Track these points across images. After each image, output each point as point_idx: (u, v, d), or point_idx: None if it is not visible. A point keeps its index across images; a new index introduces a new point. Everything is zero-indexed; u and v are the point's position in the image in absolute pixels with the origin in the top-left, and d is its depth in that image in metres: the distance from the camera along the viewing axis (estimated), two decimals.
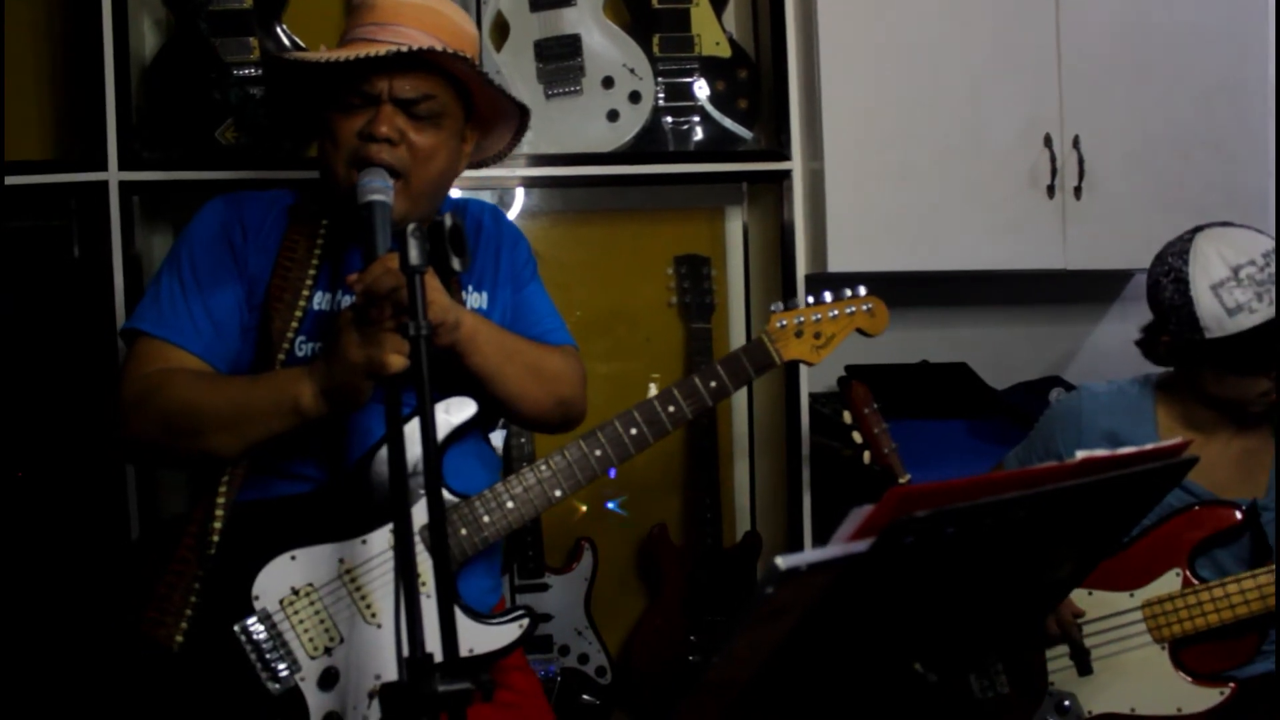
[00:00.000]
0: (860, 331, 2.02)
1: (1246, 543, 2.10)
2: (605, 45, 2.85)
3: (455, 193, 2.05)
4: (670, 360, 3.06)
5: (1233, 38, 3.01)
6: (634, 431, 1.80)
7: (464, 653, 1.69)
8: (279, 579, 1.68)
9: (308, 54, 1.77)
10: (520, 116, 1.92)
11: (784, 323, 1.93)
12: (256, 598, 1.67)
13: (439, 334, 1.62)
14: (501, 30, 2.86)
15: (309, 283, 1.78)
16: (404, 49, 1.68)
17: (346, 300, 1.77)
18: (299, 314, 1.76)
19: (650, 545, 2.94)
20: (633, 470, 3.05)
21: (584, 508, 3.05)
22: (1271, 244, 2.01)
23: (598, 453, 1.78)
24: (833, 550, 0.99)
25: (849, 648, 1.20)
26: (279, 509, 1.73)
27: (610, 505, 3.07)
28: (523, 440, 2.81)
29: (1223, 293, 1.99)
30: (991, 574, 1.26)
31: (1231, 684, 2.05)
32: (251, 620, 1.66)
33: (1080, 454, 1.21)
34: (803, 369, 2.73)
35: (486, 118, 1.90)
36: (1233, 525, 2.08)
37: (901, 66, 2.81)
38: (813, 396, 2.80)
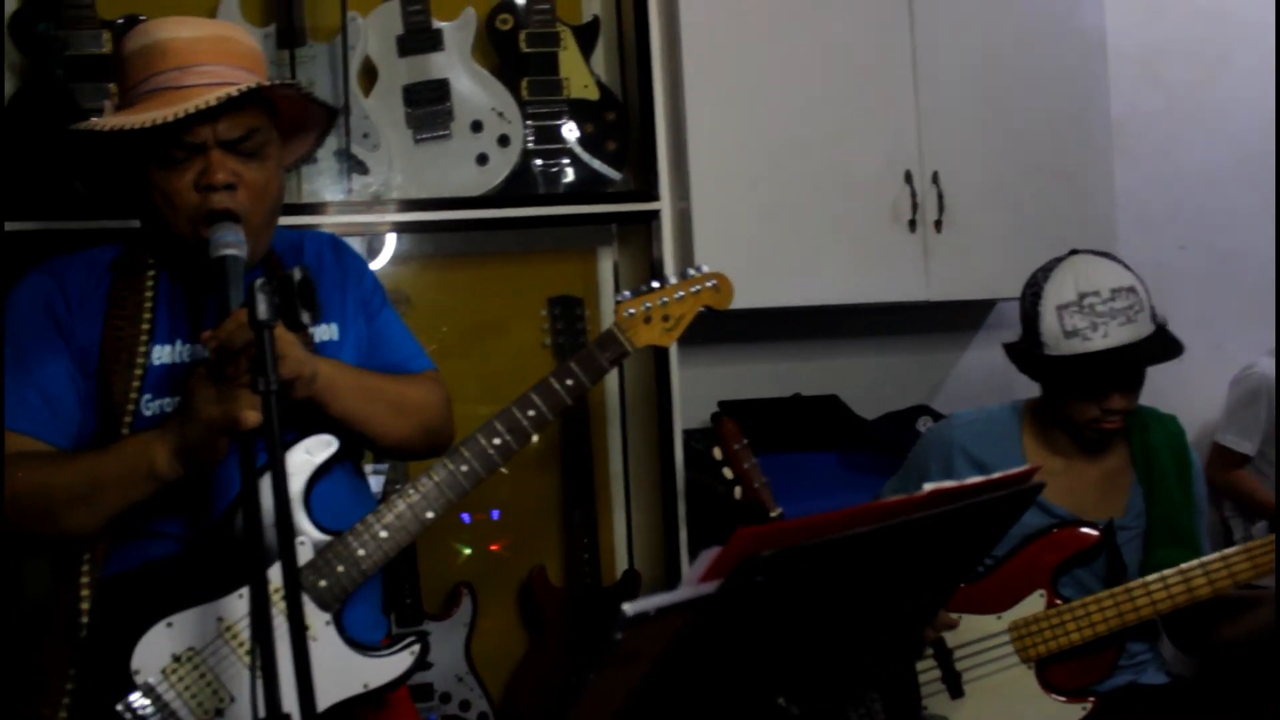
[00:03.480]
0: (708, 308, 2.04)
1: (1104, 562, 2.18)
2: (474, 89, 2.85)
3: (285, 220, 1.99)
4: None
5: (1076, 76, 3.16)
6: (497, 442, 1.79)
7: (359, 689, 1.69)
8: (158, 649, 1.64)
9: (122, 118, 1.65)
10: (328, 121, 1.88)
11: (632, 311, 1.94)
12: (137, 672, 1.62)
13: (296, 388, 1.59)
14: (369, 75, 2.84)
15: (144, 338, 1.72)
16: (234, 93, 1.61)
17: (189, 352, 1.73)
18: (139, 371, 1.70)
19: (530, 587, 2.92)
20: (511, 512, 3.04)
21: (466, 552, 3.02)
22: (1130, 281, 2.12)
23: (464, 469, 1.77)
24: (681, 593, 1.00)
25: (711, 686, 1.20)
26: (147, 577, 1.68)
27: (493, 548, 3.05)
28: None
29: (1065, 315, 2.10)
30: (850, 605, 1.28)
31: (1092, 698, 2.11)
32: (135, 696, 1.61)
33: (928, 486, 1.25)
34: (676, 386, 2.75)
35: (289, 129, 1.84)
36: (1091, 545, 2.15)
37: (766, 107, 2.87)
38: (687, 433, 2.82)
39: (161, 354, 1.74)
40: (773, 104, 2.87)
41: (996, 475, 1.34)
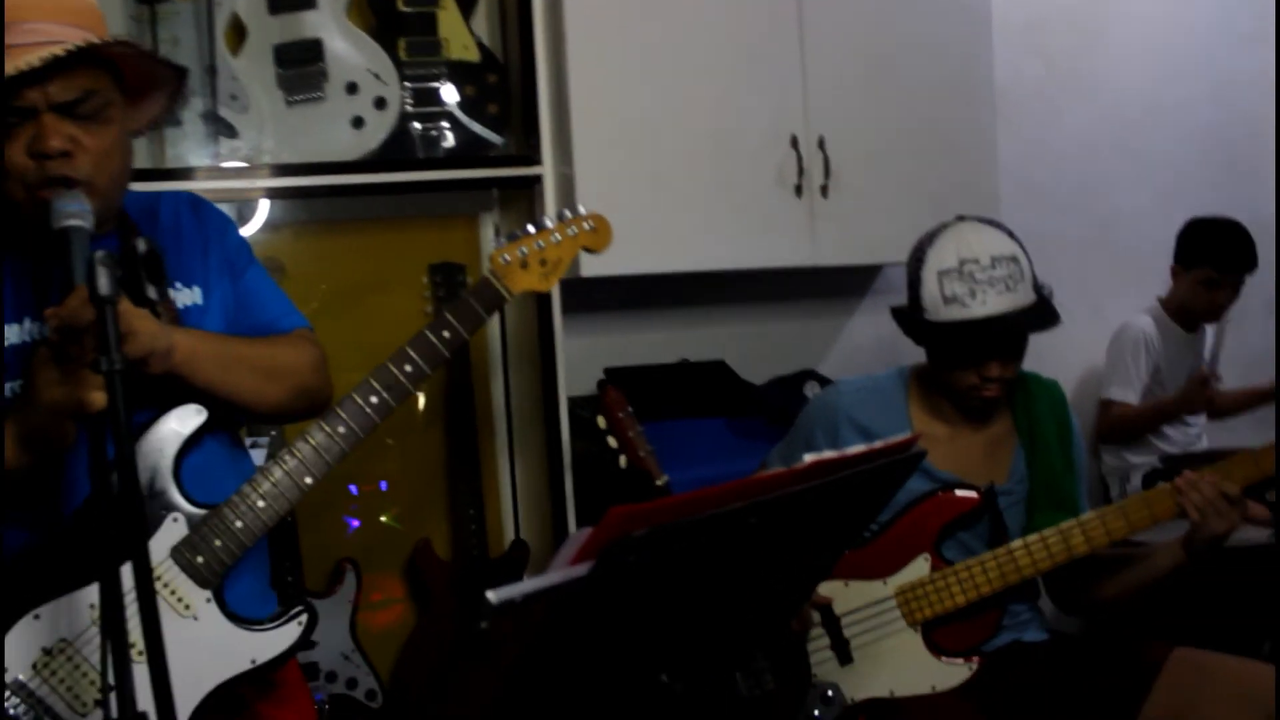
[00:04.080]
0: (587, 249, 2.00)
1: (987, 524, 2.19)
2: (349, 50, 2.75)
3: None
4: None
5: (960, 43, 3.18)
6: (374, 400, 1.72)
7: (246, 665, 1.63)
8: (26, 644, 1.55)
9: None
10: (178, 81, 1.75)
11: (507, 257, 1.88)
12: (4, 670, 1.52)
13: (151, 364, 1.50)
14: (238, 33, 2.72)
15: None
16: (60, 53, 1.49)
17: (38, 330, 1.61)
18: None
19: (415, 561, 2.86)
20: (397, 485, 2.97)
21: (353, 525, 2.94)
22: (1011, 250, 2.12)
23: (341, 430, 1.70)
24: (551, 577, 0.96)
25: (588, 668, 1.17)
26: (8, 570, 1.57)
27: (384, 519, 2.98)
28: None
29: (945, 281, 2.10)
30: (730, 581, 1.25)
31: (977, 657, 2.13)
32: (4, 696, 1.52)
33: (808, 457, 1.22)
34: (560, 358, 2.71)
35: (136, 89, 1.71)
36: (973, 508, 2.17)
37: (650, 70, 2.83)
38: (573, 401, 2.78)
39: (10, 333, 1.63)
40: (657, 67, 2.83)
41: (878, 444, 1.33)
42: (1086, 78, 4.06)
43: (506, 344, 2.98)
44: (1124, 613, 2.26)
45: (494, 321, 3.04)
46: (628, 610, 1.07)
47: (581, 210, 1.97)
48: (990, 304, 2.08)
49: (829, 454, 1.24)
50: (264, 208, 2.85)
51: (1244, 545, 3.18)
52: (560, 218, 1.94)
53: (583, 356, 2.95)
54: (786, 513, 1.17)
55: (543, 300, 2.74)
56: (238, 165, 2.64)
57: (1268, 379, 3.88)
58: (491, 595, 0.90)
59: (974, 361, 2.13)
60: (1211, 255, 3.61)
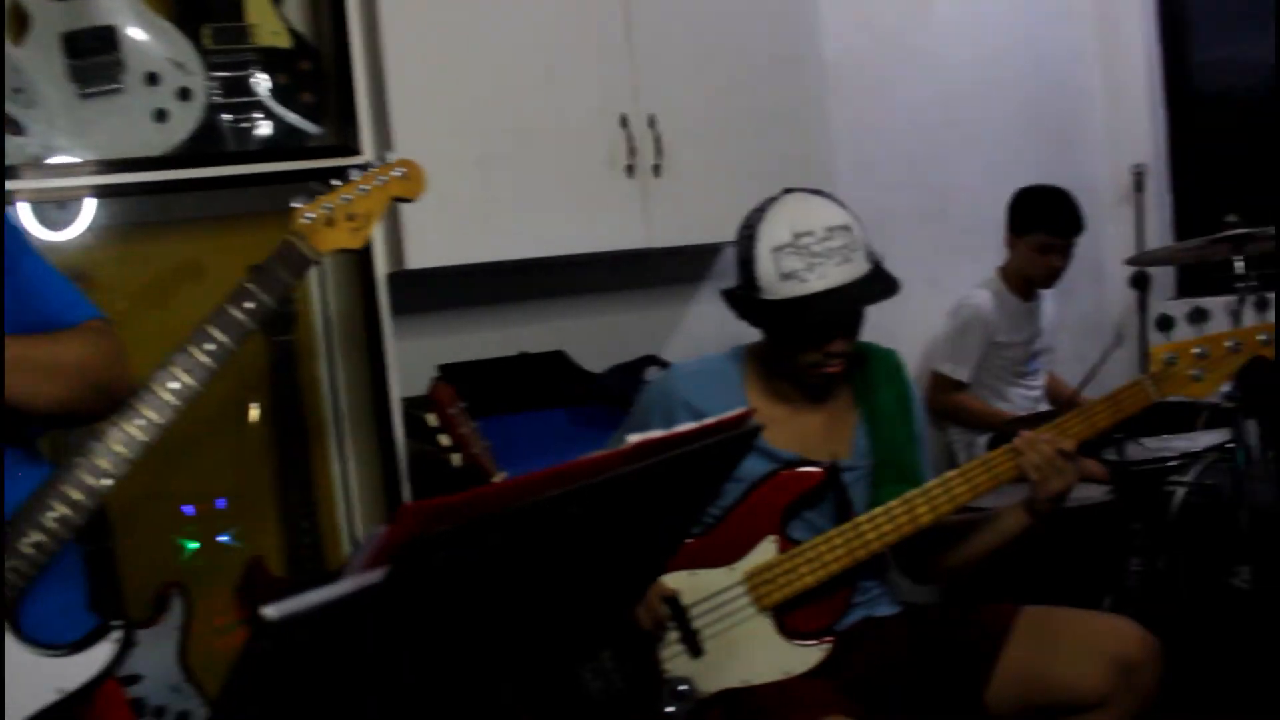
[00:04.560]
0: (399, 199, 1.89)
1: (832, 501, 2.16)
2: (147, 37, 2.56)
3: None
4: (254, 377, 2.81)
5: (787, 17, 3.16)
6: (175, 386, 1.57)
7: (53, 696, 1.47)
8: None
9: None
10: None
11: (311, 215, 1.76)
12: None
13: None
14: (20, 21, 2.50)
15: None
16: None
17: None
18: None
19: (248, 581, 2.69)
20: (233, 501, 2.79)
21: (179, 550, 2.76)
22: (844, 219, 2.06)
23: (139, 423, 1.55)
24: (342, 586, 0.85)
25: (404, 682, 1.07)
26: None
27: (223, 538, 2.80)
28: None
29: (780, 257, 2.04)
30: (558, 573, 1.16)
31: (831, 638, 2.10)
32: None
33: (632, 438, 1.14)
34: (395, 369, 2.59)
35: None
36: (816, 484, 2.13)
37: (471, 51, 2.72)
38: (407, 402, 2.65)
39: None
40: (478, 48, 2.72)
41: (710, 420, 1.26)
42: (915, 51, 4.10)
43: (332, 347, 2.83)
44: (974, 577, 2.25)
45: (320, 325, 2.90)
46: (437, 616, 0.97)
47: (390, 158, 1.85)
48: (829, 276, 2.03)
49: (655, 433, 1.16)
50: (79, 211, 2.63)
51: (1083, 504, 3.26)
52: (366, 169, 1.82)
53: (418, 356, 2.83)
54: (612, 498, 1.09)
55: (369, 298, 2.61)
56: (24, 164, 2.43)
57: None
58: (270, 611, 0.79)
59: (817, 338, 2.09)
60: (1043, 220, 3.73)
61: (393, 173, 1.83)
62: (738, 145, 3.02)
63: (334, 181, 1.76)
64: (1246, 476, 2.47)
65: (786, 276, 2.04)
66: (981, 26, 4.30)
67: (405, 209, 2.57)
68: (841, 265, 2.03)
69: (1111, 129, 4.76)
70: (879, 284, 2.09)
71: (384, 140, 2.64)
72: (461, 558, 0.91)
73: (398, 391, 2.63)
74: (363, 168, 1.81)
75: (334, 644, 0.86)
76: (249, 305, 1.65)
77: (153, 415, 1.56)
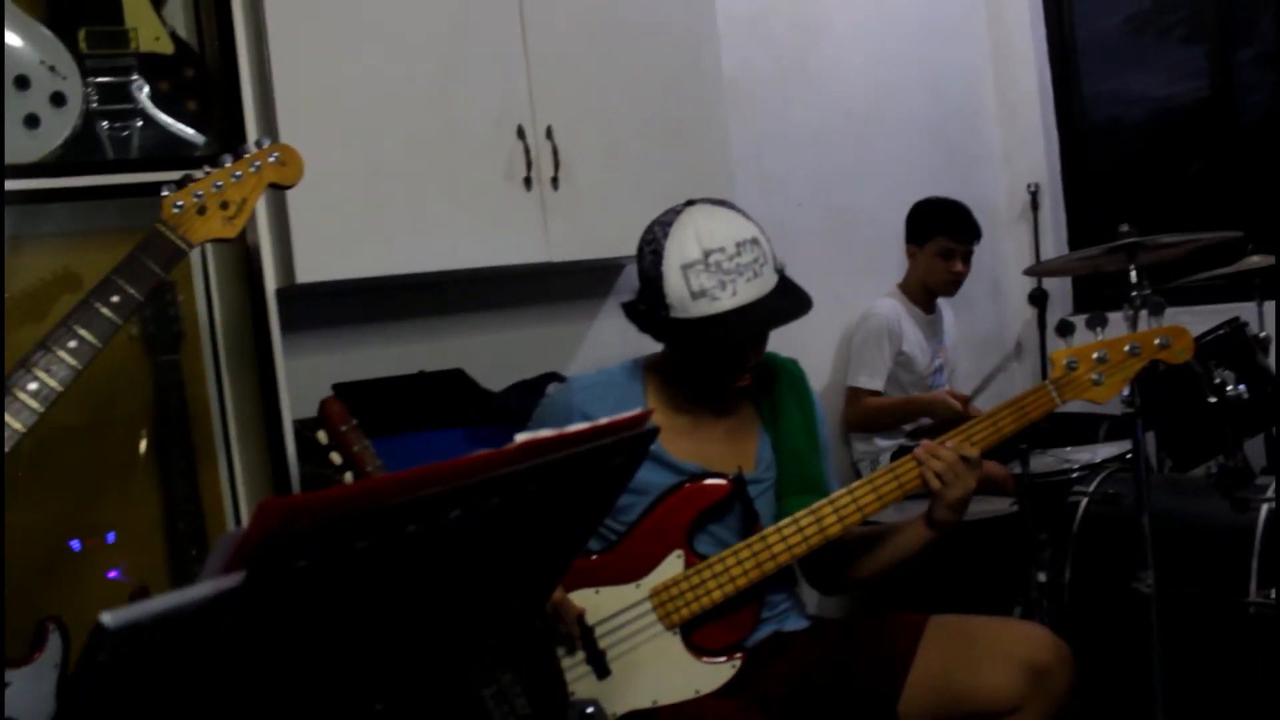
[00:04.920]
0: (276, 186, 1.79)
1: (739, 513, 2.11)
2: (17, 40, 2.43)
3: None
4: (137, 399, 2.68)
5: (686, 32, 3.13)
6: (34, 386, 1.48)
7: None
8: None
9: None
10: None
11: (180, 204, 1.67)
12: None
13: None
14: None
15: None
16: None
17: None
18: None
19: None
20: (122, 534, 2.65)
21: (55, 582, 2.60)
22: (752, 232, 2.00)
23: None
24: (194, 591, 0.77)
25: (271, 694, 0.98)
26: None
27: (112, 574, 2.65)
28: None
29: (690, 275, 1.96)
30: (442, 580, 1.08)
31: (740, 654, 2.04)
32: None
33: (520, 437, 1.08)
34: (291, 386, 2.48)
35: None
36: (722, 496, 2.08)
37: (362, 59, 2.63)
38: (301, 424, 2.55)
39: None
40: (369, 56, 2.63)
41: (604, 421, 1.19)
42: (813, 71, 4.12)
43: (220, 366, 2.71)
44: (884, 589, 2.23)
45: (207, 343, 2.77)
46: (301, 626, 0.89)
47: (266, 143, 1.77)
48: (741, 294, 1.96)
49: (545, 433, 1.10)
50: None
51: (989, 516, 3.27)
52: (239, 155, 1.73)
53: (310, 375, 2.72)
54: (496, 500, 1.02)
55: (258, 314, 2.50)
56: None
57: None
58: (107, 618, 0.71)
59: (731, 355, 2.04)
60: (943, 225, 3.78)
61: (268, 158, 1.74)
62: (637, 159, 2.97)
63: (206, 168, 1.67)
64: (1146, 485, 2.49)
65: (698, 295, 1.96)
66: (879, 48, 4.34)
67: (295, 220, 2.48)
68: (752, 281, 1.97)
69: (1007, 149, 4.85)
70: (791, 299, 2.04)
71: None
72: (328, 560, 0.83)
73: (289, 412, 2.52)
74: (236, 153, 1.71)
75: (184, 654, 0.78)
76: (115, 299, 1.56)
77: (11, 421, 1.45)
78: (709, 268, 1.95)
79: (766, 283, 2.00)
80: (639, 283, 2.09)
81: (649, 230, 2.06)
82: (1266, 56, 4.29)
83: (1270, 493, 2.75)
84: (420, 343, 3.05)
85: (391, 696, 1.13)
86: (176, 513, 2.61)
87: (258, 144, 1.75)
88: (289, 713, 0.96)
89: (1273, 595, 2.59)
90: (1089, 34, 4.77)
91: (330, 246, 2.51)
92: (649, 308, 2.05)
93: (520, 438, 1.06)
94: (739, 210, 2.06)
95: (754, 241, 1.99)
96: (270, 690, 0.92)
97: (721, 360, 2.06)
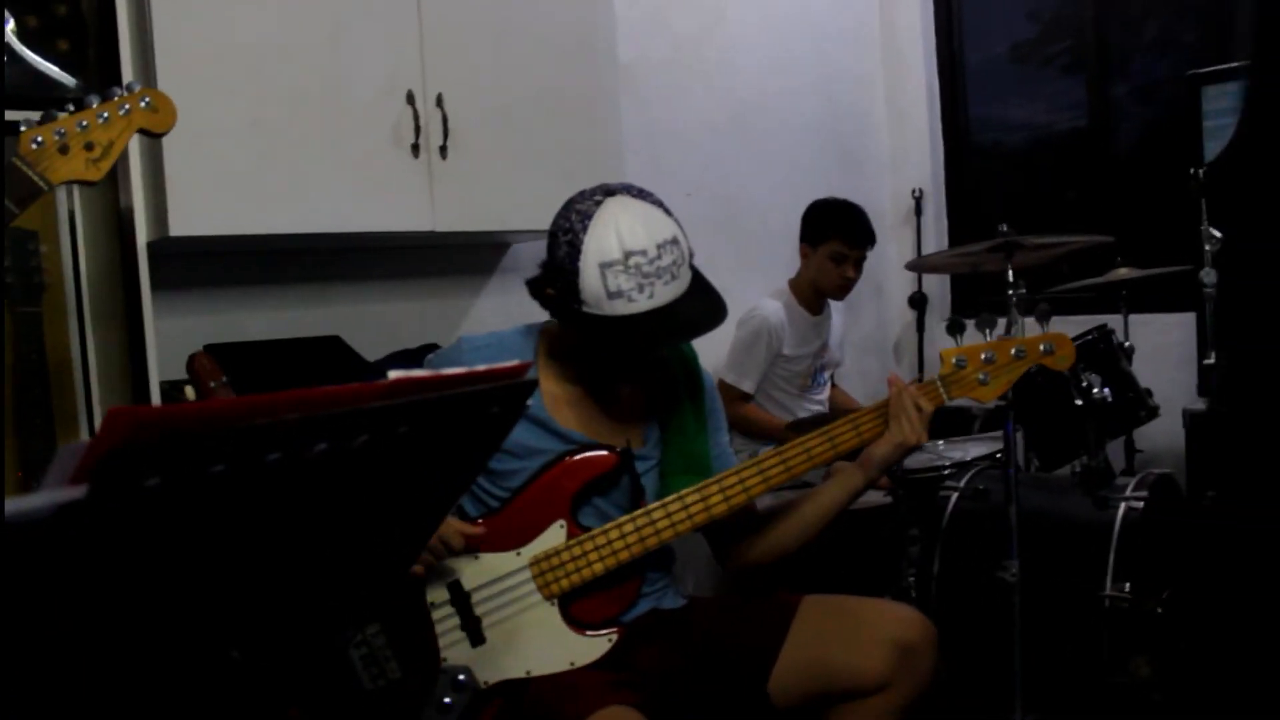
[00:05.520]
0: (146, 132, 1.71)
1: (625, 487, 2.09)
2: None
3: None
4: None
5: (582, 13, 3.11)
6: None
7: None
8: None
9: None
10: None
11: (40, 139, 1.58)
12: None
13: None
14: None
15: None
16: None
17: None
18: None
19: None
20: None
21: None
22: (673, 231, 1.95)
23: None
24: (25, 503, 0.72)
25: (110, 632, 0.92)
26: None
27: None
28: None
29: (609, 275, 1.90)
30: (302, 517, 1.03)
31: (617, 629, 2.03)
32: None
33: (393, 374, 1.04)
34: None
35: None
36: (609, 469, 2.06)
37: (250, 6, 2.54)
38: (170, 385, 2.46)
39: None
40: (258, 5, 2.55)
41: (481, 368, 1.16)
42: (708, 63, 4.14)
43: (85, 320, 2.60)
44: (762, 576, 2.24)
45: (72, 296, 2.65)
46: (146, 554, 0.84)
47: (137, 87, 1.69)
48: (657, 296, 1.91)
49: (419, 372, 1.06)
50: None
51: (864, 507, 3.33)
52: (108, 96, 1.65)
53: (181, 335, 2.63)
54: (363, 436, 0.98)
55: (129, 267, 2.40)
56: None
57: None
58: None
59: (641, 353, 2.03)
60: (839, 229, 3.78)
61: (139, 102, 1.66)
62: (528, 135, 2.93)
63: (70, 108, 1.59)
64: (1015, 480, 2.56)
65: (614, 295, 1.90)
66: (775, 47, 4.39)
67: (171, 170, 2.39)
68: (670, 284, 1.93)
69: (895, 154, 4.94)
70: (707, 303, 2.00)
71: None
72: (180, 482, 0.79)
73: (156, 372, 2.43)
74: (104, 95, 1.64)
75: (17, 577, 0.73)
76: None
77: None
78: (628, 270, 1.89)
79: (683, 284, 1.96)
80: (548, 265, 2.00)
81: (565, 217, 1.97)
82: (1140, 91, 4.50)
83: (1129, 492, 2.85)
84: (298, 308, 2.97)
85: (249, 644, 1.08)
86: (32, 474, 2.50)
87: (128, 88, 1.66)
88: (139, 650, 0.91)
89: (1126, 589, 2.68)
90: (977, 58, 4.92)
91: (207, 200, 2.42)
92: (559, 295, 1.99)
93: (393, 374, 1.02)
94: (660, 205, 1.99)
95: (674, 242, 1.94)
96: (116, 625, 0.87)
97: (631, 354, 2.05)
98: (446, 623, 1.99)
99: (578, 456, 2.06)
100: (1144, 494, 2.84)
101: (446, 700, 1.91)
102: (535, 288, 2.06)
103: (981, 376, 2.11)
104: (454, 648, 1.98)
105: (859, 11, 4.83)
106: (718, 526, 2.07)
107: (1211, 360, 3.14)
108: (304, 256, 2.95)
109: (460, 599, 1.99)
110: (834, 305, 4.03)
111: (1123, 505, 2.81)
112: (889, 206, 4.90)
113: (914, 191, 4.83)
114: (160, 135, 1.71)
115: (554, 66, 3.02)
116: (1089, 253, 3.12)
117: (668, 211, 1.98)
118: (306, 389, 0.91)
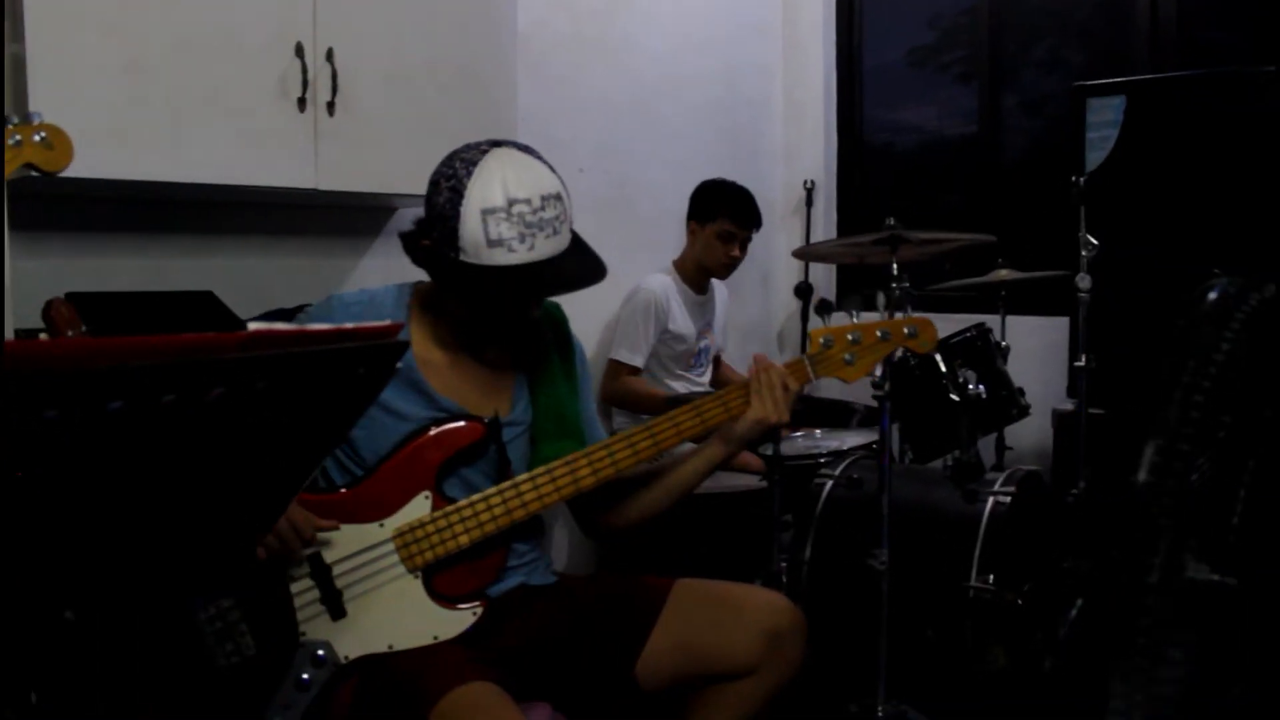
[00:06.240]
0: (34, 168, 1.62)
1: (493, 458, 2.06)
2: None
3: None
4: None
5: None
6: None
7: None
8: None
9: None
10: None
11: None
12: None
13: None
14: None
15: None
16: None
17: None
18: None
19: None
20: None
21: None
22: (556, 187, 1.93)
23: None
24: None
25: None
26: None
27: None
28: None
29: (490, 221, 1.87)
30: (147, 472, 0.98)
31: (481, 601, 1.99)
32: None
33: (253, 325, 0.99)
34: None
35: None
36: (476, 440, 2.02)
37: None
38: (22, 333, 2.33)
39: None
40: None
41: (349, 325, 1.12)
42: (609, 41, 4.11)
43: None
44: (631, 556, 2.23)
45: None
46: None
47: (36, 118, 1.58)
48: (538, 248, 1.88)
49: (281, 326, 1.01)
50: None
51: (738, 490, 3.35)
52: (2, 122, 1.54)
53: (44, 281, 2.49)
54: (218, 390, 0.93)
55: None
56: None
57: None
58: None
59: (513, 305, 1.99)
60: (728, 208, 3.82)
61: (32, 136, 1.55)
62: (420, 98, 2.86)
63: None
64: (889, 471, 2.60)
65: (494, 244, 1.87)
66: (677, 30, 4.38)
67: (36, 106, 2.25)
68: (551, 238, 1.90)
69: (789, 145, 4.98)
70: (587, 261, 2.00)
71: (14, 27, 2.29)
72: (10, 424, 0.73)
73: (11, 318, 2.30)
74: None
75: None
76: None
77: None
78: (510, 218, 1.87)
79: (563, 240, 1.94)
80: (425, 216, 1.97)
81: (448, 164, 1.94)
82: (1029, 103, 4.63)
83: (997, 487, 2.91)
84: (171, 259, 2.85)
85: (85, 605, 1.03)
86: None
87: (25, 118, 1.55)
88: None
89: (990, 581, 2.74)
90: (876, 59, 5.01)
91: (77, 140, 2.28)
92: (435, 245, 1.94)
93: (253, 326, 0.97)
94: (545, 161, 1.97)
95: (558, 197, 1.93)
96: None
97: (503, 311, 2.01)
98: (306, 596, 1.93)
99: (444, 427, 2.02)
100: (1011, 489, 2.91)
101: (304, 676, 1.84)
102: (410, 240, 2.03)
103: (847, 357, 2.15)
104: (313, 621, 1.92)
105: (764, 3, 4.85)
106: (582, 496, 2.05)
107: (1082, 362, 3.23)
108: (179, 207, 2.83)
109: (321, 571, 1.93)
110: (718, 290, 4.05)
111: (991, 499, 2.88)
112: (780, 195, 4.94)
113: (805, 183, 4.87)
114: (50, 175, 1.60)
115: (450, 29, 2.95)
116: (971, 253, 3.19)
117: (553, 169, 1.97)
118: (158, 335, 0.87)
